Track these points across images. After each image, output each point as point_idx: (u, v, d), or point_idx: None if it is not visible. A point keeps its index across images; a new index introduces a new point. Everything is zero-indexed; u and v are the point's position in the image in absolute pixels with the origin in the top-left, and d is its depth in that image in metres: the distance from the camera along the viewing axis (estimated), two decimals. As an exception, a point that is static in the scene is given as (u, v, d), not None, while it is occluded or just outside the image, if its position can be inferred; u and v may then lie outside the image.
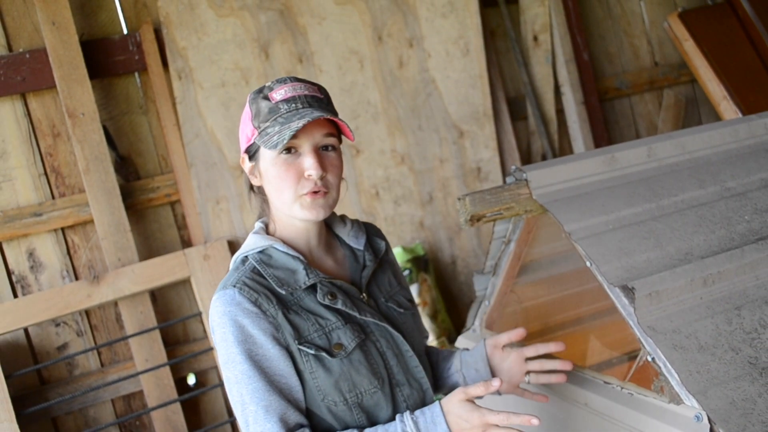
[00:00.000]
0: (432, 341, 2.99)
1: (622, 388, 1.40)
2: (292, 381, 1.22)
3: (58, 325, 2.67)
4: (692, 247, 1.40)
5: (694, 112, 3.89)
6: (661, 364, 1.23)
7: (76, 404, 2.62)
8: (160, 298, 2.82)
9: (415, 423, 1.18)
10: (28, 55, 2.62)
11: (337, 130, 1.30)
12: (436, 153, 3.20)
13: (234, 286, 1.23)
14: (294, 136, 1.22)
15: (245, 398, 1.20)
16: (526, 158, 3.45)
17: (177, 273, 2.68)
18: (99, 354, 2.73)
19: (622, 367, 1.83)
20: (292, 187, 1.24)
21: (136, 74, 2.85)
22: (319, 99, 1.27)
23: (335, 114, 1.27)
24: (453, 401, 1.18)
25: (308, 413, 1.24)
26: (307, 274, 1.26)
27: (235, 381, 1.21)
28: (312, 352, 1.21)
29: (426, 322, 2.99)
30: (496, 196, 1.48)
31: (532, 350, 1.43)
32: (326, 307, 1.25)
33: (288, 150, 1.24)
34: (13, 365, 2.55)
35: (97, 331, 2.73)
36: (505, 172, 3.30)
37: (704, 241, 1.41)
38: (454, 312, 3.20)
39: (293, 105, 1.23)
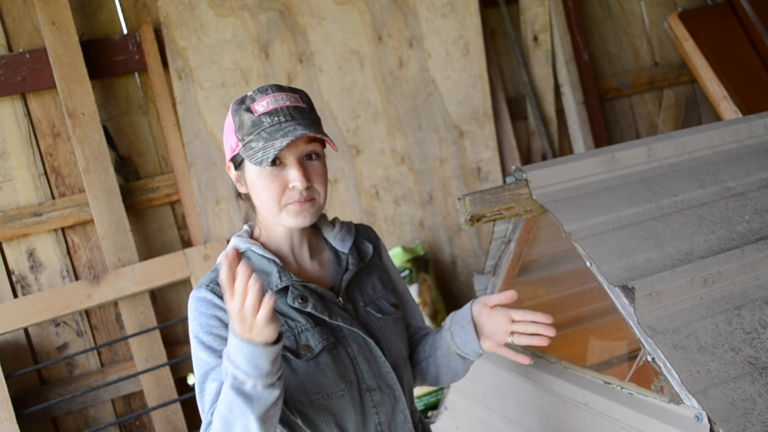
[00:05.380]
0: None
1: (622, 388, 1.40)
2: None
3: (58, 325, 2.66)
4: (692, 247, 1.39)
5: (694, 112, 3.89)
6: (661, 364, 1.23)
7: (76, 404, 2.62)
8: (160, 298, 2.82)
9: (232, 362, 1.10)
10: (28, 55, 2.62)
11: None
12: (436, 153, 3.20)
13: (206, 286, 1.26)
14: None
15: (203, 399, 1.23)
16: (526, 158, 3.45)
17: (177, 273, 2.68)
18: (99, 354, 2.73)
19: (622, 367, 1.83)
20: (278, 198, 1.26)
21: (136, 74, 2.85)
22: (301, 109, 1.27)
23: (318, 124, 1.29)
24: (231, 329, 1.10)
25: None
26: (280, 277, 1.28)
27: (199, 378, 1.24)
28: None
29: (426, 322, 2.98)
30: (496, 196, 1.48)
31: (519, 313, 1.39)
32: (297, 309, 1.27)
33: (273, 162, 1.25)
34: (13, 365, 2.55)
35: (97, 331, 2.73)
36: (505, 172, 3.30)
37: (704, 241, 1.41)
38: (454, 312, 3.20)
39: (276, 118, 1.24)
